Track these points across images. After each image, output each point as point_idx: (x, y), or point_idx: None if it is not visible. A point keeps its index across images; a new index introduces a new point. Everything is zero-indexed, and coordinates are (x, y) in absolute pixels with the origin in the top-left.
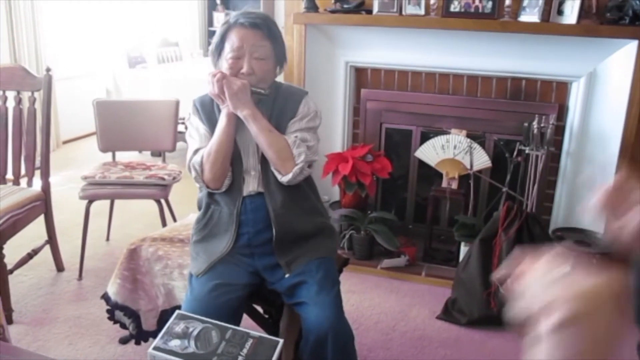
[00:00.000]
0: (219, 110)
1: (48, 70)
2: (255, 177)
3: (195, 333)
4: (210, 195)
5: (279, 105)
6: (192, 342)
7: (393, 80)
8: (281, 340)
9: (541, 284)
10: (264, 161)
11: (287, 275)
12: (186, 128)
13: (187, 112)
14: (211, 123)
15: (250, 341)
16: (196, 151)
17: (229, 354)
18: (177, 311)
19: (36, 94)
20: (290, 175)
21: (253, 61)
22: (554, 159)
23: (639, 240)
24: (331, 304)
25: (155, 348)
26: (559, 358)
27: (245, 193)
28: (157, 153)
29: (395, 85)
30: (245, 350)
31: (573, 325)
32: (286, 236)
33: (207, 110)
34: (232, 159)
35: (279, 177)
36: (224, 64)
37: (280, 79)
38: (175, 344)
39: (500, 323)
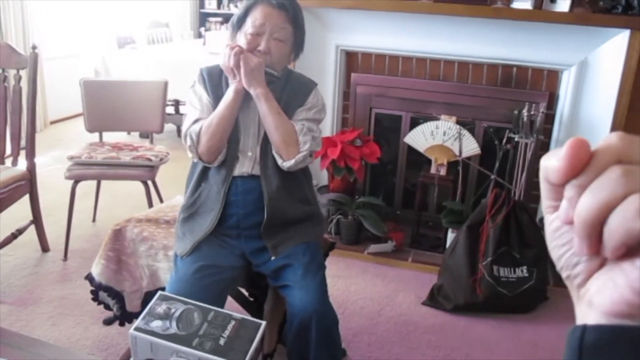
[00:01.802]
0: (226, 85)
1: (34, 47)
2: (251, 158)
3: (177, 314)
4: (202, 172)
5: (288, 91)
6: (174, 323)
7: (384, 65)
8: (264, 322)
9: None
10: (264, 143)
11: (273, 258)
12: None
13: (177, 93)
14: (216, 95)
15: (232, 323)
16: (196, 121)
17: (211, 335)
18: (159, 292)
19: (22, 72)
20: (292, 162)
21: (272, 41)
22: (544, 147)
23: None
24: (316, 287)
25: (137, 329)
26: None
27: (237, 173)
28: (146, 134)
29: (385, 70)
30: (227, 332)
31: None
32: (276, 221)
33: (214, 82)
34: (230, 136)
35: (279, 161)
36: (242, 39)
37: None
38: (156, 324)
39: (485, 309)
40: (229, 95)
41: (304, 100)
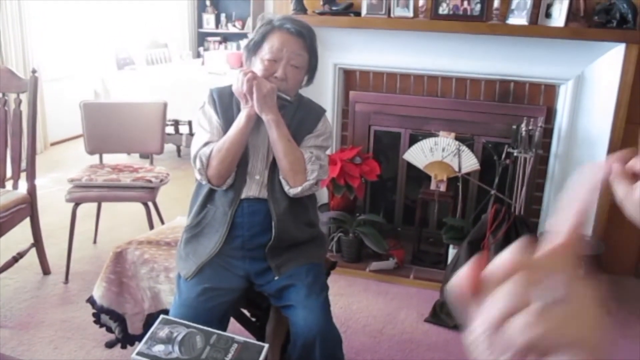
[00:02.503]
0: (237, 107)
1: (34, 71)
2: (259, 182)
3: (179, 338)
4: (209, 194)
5: (299, 117)
6: (176, 347)
7: (382, 82)
8: (266, 345)
9: (524, 309)
10: (272, 167)
11: (276, 278)
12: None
13: (177, 113)
14: (226, 118)
15: (235, 346)
16: (206, 143)
17: (214, 359)
18: (161, 316)
19: (22, 96)
20: (299, 189)
21: (289, 67)
22: (542, 161)
23: None
24: (320, 308)
25: (139, 353)
26: None
27: (244, 195)
28: (146, 155)
29: (384, 88)
30: (230, 355)
31: None
32: (282, 242)
33: (225, 104)
34: (239, 159)
35: (286, 188)
36: (258, 64)
37: None
38: (159, 349)
39: None
40: (240, 120)
41: (313, 126)
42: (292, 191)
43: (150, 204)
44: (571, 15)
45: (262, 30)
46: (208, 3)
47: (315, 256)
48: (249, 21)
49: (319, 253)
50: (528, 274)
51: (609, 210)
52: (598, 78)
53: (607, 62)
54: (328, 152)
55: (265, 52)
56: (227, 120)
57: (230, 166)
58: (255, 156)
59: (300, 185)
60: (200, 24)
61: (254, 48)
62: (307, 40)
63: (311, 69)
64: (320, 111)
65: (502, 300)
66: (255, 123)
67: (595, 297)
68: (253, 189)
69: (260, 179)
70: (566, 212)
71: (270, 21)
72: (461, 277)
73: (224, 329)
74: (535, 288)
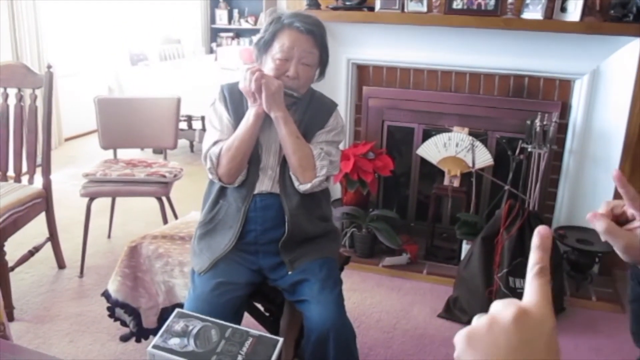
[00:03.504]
0: (248, 104)
1: (49, 67)
2: (271, 177)
3: (194, 331)
4: (221, 190)
5: (310, 113)
6: (192, 341)
7: (395, 77)
8: (281, 339)
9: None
10: (284, 163)
11: (289, 272)
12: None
13: (190, 109)
14: (237, 115)
15: (250, 340)
16: (216, 142)
17: (229, 352)
18: (176, 309)
19: (37, 91)
20: (308, 185)
21: (300, 66)
22: (557, 157)
23: None
24: (334, 302)
25: (155, 346)
26: None
27: (256, 190)
28: (159, 150)
29: (397, 83)
30: (245, 349)
31: None
32: (296, 237)
33: (235, 101)
34: (251, 156)
35: (296, 184)
36: (269, 62)
37: None
38: (174, 342)
39: None
40: (249, 119)
41: (324, 122)
42: (302, 187)
43: (164, 198)
44: (587, 9)
45: (271, 28)
46: None
47: (328, 251)
48: (262, 17)
49: (333, 248)
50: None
51: None
52: (614, 73)
53: (623, 56)
54: (341, 146)
55: (276, 51)
56: (237, 117)
57: (241, 164)
58: (267, 152)
59: (310, 181)
60: (213, 19)
61: (265, 47)
62: (317, 37)
63: (322, 64)
64: (332, 106)
65: None
66: (267, 119)
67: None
68: (265, 183)
69: (273, 174)
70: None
71: (279, 18)
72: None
73: (238, 324)
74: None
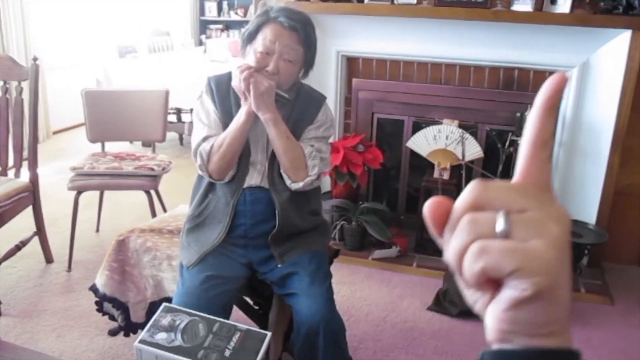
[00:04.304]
0: (235, 97)
1: (35, 59)
2: (260, 171)
3: (182, 326)
4: (210, 184)
5: (298, 109)
6: (179, 335)
7: (385, 69)
8: (269, 334)
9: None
10: (272, 159)
11: (279, 265)
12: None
13: (179, 102)
14: (224, 108)
15: (237, 334)
16: (205, 138)
17: (216, 347)
18: (163, 304)
19: (24, 84)
20: (300, 184)
21: (281, 62)
22: None
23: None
24: (323, 296)
25: (142, 341)
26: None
27: (246, 184)
28: (148, 143)
29: (387, 75)
30: (232, 344)
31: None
32: (286, 231)
33: (222, 93)
34: (242, 150)
35: (288, 182)
36: (251, 55)
37: None
38: (161, 337)
39: None
40: (240, 118)
41: (313, 117)
42: (294, 185)
43: (152, 192)
44: (577, 1)
45: (257, 20)
46: None
47: (318, 244)
48: (251, 9)
49: (322, 241)
50: (477, 213)
51: (612, 199)
52: (603, 65)
53: (613, 49)
54: (331, 140)
55: (259, 44)
56: (224, 111)
57: (231, 162)
58: (255, 146)
59: (302, 180)
60: (202, 11)
61: (249, 38)
62: (301, 34)
63: (307, 63)
64: (321, 99)
65: (459, 234)
66: (255, 115)
67: (558, 233)
68: (255, 177)
69: (262, 168)
70: (522, 147)
71: (266, 11)
72: (429, 210)
73: (227, 317)
74: (484, 223)
